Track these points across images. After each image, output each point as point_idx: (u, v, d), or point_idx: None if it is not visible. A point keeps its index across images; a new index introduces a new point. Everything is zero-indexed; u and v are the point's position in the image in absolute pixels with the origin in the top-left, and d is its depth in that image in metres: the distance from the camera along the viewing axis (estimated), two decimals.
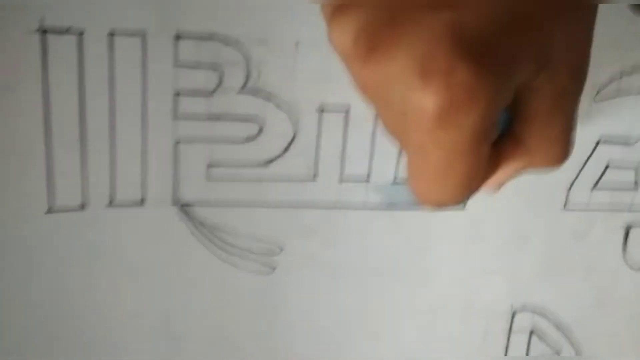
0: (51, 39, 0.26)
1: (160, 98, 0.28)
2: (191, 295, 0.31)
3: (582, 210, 0.32)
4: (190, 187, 0.29)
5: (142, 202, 0.29)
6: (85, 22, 0.26)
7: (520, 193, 0.31)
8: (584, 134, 0.30)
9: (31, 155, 0.28)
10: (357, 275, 0.32)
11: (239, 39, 0.28)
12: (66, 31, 0.26)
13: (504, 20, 0.18)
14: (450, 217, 0.32)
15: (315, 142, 0.30)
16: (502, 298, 0.33)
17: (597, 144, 0.31)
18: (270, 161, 0.30)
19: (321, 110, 0.29)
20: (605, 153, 0.32)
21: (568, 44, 0.19)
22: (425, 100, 0.17)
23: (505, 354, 0.34)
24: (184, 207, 0.30)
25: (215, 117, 0.29)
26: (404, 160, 0.30)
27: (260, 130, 0.29)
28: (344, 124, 0.30)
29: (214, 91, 0.28)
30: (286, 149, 0.30)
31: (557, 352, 0.35)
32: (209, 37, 0.27)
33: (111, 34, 0.27)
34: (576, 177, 0.32)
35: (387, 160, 0.30)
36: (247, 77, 0.28)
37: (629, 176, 0.32)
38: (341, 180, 0.30)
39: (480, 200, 0.31)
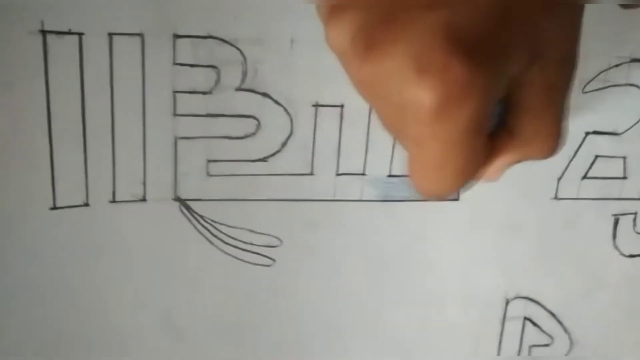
0: (52, 39, 0.27)
1: (159, 96, 0.28)
2: (193, 289, 0.32)
3: (572, 199, 0.33)
4: (190, 183, 0.30)
5: (143, 198, 0.30)
6: (85, 23, 0.27)
7: (512, 183, 0.32)
8: (572, 126, 0.30)
9: (34, 154, 0.28)
10: (355, 266, 0.32)
11: (235, 38, 0.28)
12: (67, 33, 0.27)
13: (496, 16, 0.18)
14: (445, 208, 0.32)
15: (312, 138, 0.30)
16: (496, 287, 0.34)
17: (586, 135, 0.32)
18: (268, 157, 0.30)
19: (317, 106, 0.30)
20: (594, 144, 0.32)
21: (558, 37, 0.20)
22: (422, 96, 0.18)
23: (500, 342, 0.35)
24: (185, 202, 0.30)
25: (214, 115, 0.29)
26: (399, 154, 0.31)
27: (258, 127, 0.30)
28: (340, 120, 0.30)
29: (212, 89, 0.29)
30: (283, 145, 0.30)
31: (550, 338, 0.35)
32: (207, 36, 0.28)
33: (111, 35, 0.27)
34: (566, 168, 0.32)
35: (382, 154, 0.31)
36: (244, 75, 0.29)
37: (618, 166, 0.33)
38: (338, 174, 0.31)
39: (474, 191, 0.32)
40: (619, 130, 0.32)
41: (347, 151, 0.30)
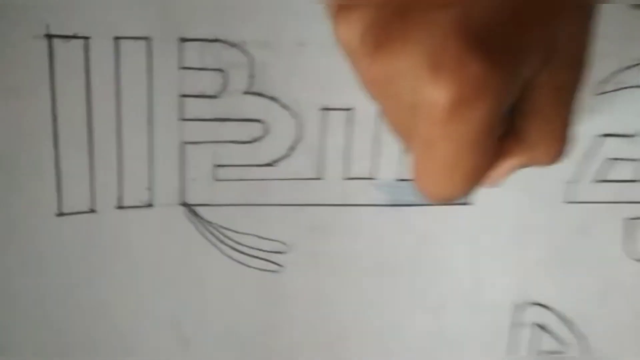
0: (57, 44, 0.27)
1: (166, 101, 0.28)
2: (200, 295, 0.31)
3: (584, 203, 0.32)
4: (197, 188, 0.30)
5: (150, 203, 0.30)
6: (91, 27, 0.27)
7: (522, 187, 0.32)
8: (584, 128, 0.31)
9: (40, 159, 0.28)
10: (365, 272, 0.32)
11: (242, 41, 0.28)
12: (72, 37, 0.27)
13: (511, 14, 0.18)
14: (455, 213, 0.32)
15: (320, 142, 0.30)
16: (506, 292, 0.34)
17: (598, 137, 0.32)
18: (276, 161, 0.30)
19: (325, 110, 0.29)
20: (605, 146, 0.32)
21: (571, 38, 0.19)
22: (436, 94, 0.17)
23: (510, 348, 0.34)
24: (192, 208, 0.30)
25: (221, 119, 0.29)
26: (408, 157, 0.30)
27: (266, 131, 0.29)
28: (348, 124, 0.30)
29: (219, 93, 0.28)
30: (291, 149, 0.30)
31: (562, 345, 0.35)
32: (213, 40, 0.28)
33: (117, 39, 0.27)
34: (578, 171, 0.32)
35: (391, 158, 0.31)
36: (252, 79, 0.28)
37: (631, 169, 0.32)
38: (346, 178, 0.31)
39: (484, 195, 0.31)
40: (632, 133, 0.32)
41: (356, 155, 0.30)
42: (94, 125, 0.28)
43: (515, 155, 0.21)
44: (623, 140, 0.32)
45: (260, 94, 0.29)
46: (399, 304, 0.33)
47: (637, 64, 0.31)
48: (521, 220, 0.33)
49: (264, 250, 0.31)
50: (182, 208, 0.30)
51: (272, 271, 0.32)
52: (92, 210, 0.29)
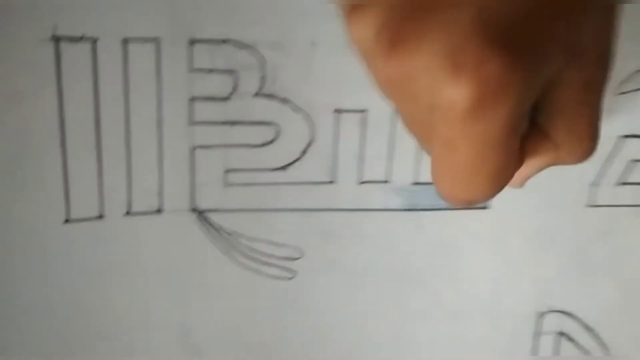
0: (65, 46, 0.26)
1: (175, 104, 0.28)
2: (211, 303, 0.31)
3: (607, 206, 0.32)
4: (207, 193, 0.29)
5: (159, 209, 0.29)
6: (99, 28, 0.26)
7: (543, 191, 0.31)
8: (606, 129, 0.29)
9: (46, 164, 0.27)
10: (380, 279, 0.32)
11: (254, 42, 0.27)
12: (80, 39, 0.26)
13: (531, 11, 0.17)
14: (474, 217, 0.31)
15: (333, 145, 0.29)
16: (528, 299, 0.33)
17: (621, 138, 0.31)
18: (288, 165, 0.29)
19: (338, 112, 0.29)
20: (628, 148, 0.31)
21: (595, 34, 0.19)
22: (456, 94, 0.17)
23: (533, 357, 0.34)
24: (202, 214, 0.30)
25: (232, 122, 0.28)
26: (424, 160, 0.30)
27: (277, 134, 0.29)
28: (362, 126, 0.29)
29: (229, 96, 0.28)
30: (304, 153, 0.29)
31: (587, 353, 0.34)
32: (224, 41, 0.27)
33: (125, 41, 0.27)
34: (600, 173, 0.31)
35: (406, 160, 0.30)
36: (263, 81, 0.28)
37: None
38: (360, 182, 0.30)
39: (503, 199, 0.31)
40: None
41: (370, 158, 0.30)
42: (102, 129, 0.28)
43: (541, 154, 0.21)
44: None
45: (271, 96, 0.28)
46: (416, 312, 0.32)
47: None
48: (543, 225, 0.32)
49: (276, 257, 0.31)
50: (192, 214, 0.29)
51: (285, 278, 0.31)
52: (100, 217, 0.29)
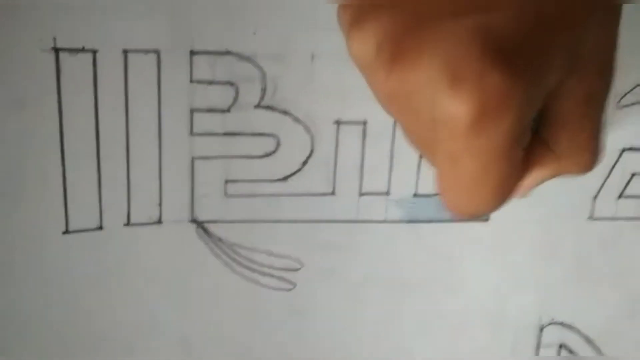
0: (64, 57, 0.26)
1: (176, 115, 0.28)
2: (211, 314, 0.31)
3: (609, 219, 0.32)
4: (207, 204, 0.29)
5: (159, 220, 0.29)
6: (99, 40, 0.26)
7: (545, 204, 0.31)
8: (608, 142, 0.29)
9: (46, 175, 0.27)
10: (379, 290, 0.31)
11: (254, 54, 0.27)
12: (80, 50, 0.26)
13: (531, 23, 0.17)
14: (474, 229, 0.31)
15: (334, 156, 0.29)
16: (529, 311, 0.33)
17: (622, 151, 0.31)
18: (288, 176, 0.29)
19: (338, 124, 0.29)
20: (630, 161, 0.31)
21: (596, 45, 0.19)
22: (457, 108, 0.17)
23: None
24: (202, 225, 0.29)
25: (232, 134, 0.28)
26: (424, 172, 0.30)
27: (278, 146, 0.29)
28: (362, 138, 0.29)
29: (230, 107, 0.28)
30: (304, 164, 0.29)
31: None
32: (224, 53, 0.27)
33: (125, 52, 0.27)
34: (602, 186, 0.31)
35: (407, 172, 0.30)
36: (263, 92, 0.28)
37: None
38: (360, 194, 0.30)
39: (505, 211, 0.31)
40: None
41: (370, 170, 0.30)
42: (102, 140, 0.28)
43: (544, 165, 0.21)
44: None
45: (272, 108, 0.28)
46: (415, 323, 0.32)
47: None
48: (544, 237, 0.32)
49: (275, 268, 0.31)
50: (192, 225, 0.29)
51: (284, 289, 0.31)
52: (100, 228, 0.29)
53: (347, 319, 0.32)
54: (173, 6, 0.26)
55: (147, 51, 0.27)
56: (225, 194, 0.29)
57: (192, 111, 0.28)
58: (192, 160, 0.29)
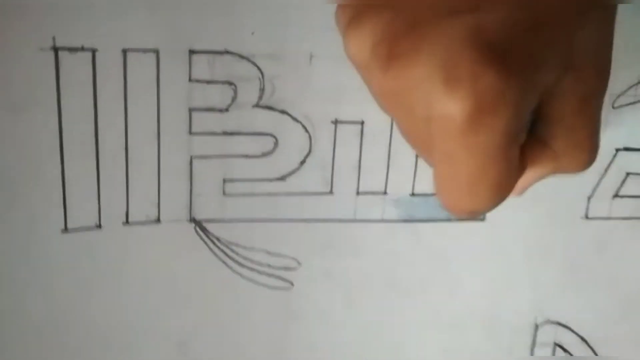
0: (64, 56, 0.26)
1: (174, 114, 0.28)
2: (208, 313, 0.31)
3: (603, 219, 0.32)
4: (205, 203, 0.29)
5: (157, 219, 0.29)
6: (98, 39, 0.26)
7: (540, 204, 0.31)
8: (603, 142, 0.30)
9: (46, 174, 0.27)
10: (376, 290, 0.32)
11: (253, 54, 0.27)
12: (79, 49, 0.26)
13: (526, 22, 0.17)
14: (470, 229, 0.31)
15: (331, 156, 0.29)
16: (524, 311, 0.33)
17: (617, 151, 0.31)
18: (286, 176, 0.29)
19: (336, 123, 0.29)
20: (625, 161, 0.31)
21: (592, 44, 0.19)
22: (452, 107, 0.17)
23: None
24: (200, 224, 0.29)
25: (230, 133, 0.28)
26: (422, 171, 0.30)
27: (276, 145, 0.29)
28: (360, 137, 0.29)
29: (228, 106, 0.28)
30: (302, 163, 0.29)
31: None
32: (223, 52, 0.27)
33: (124, 51, 0.27)
34: (596, 186, 0.31)
35: (404, 172, 0.30)
36: (262, 92, 0.28)
37: None
38: (358, 193, 0.30)
39: (500, 211, 0.31)
40: None
41: (367, 169, 0.30)
42: (101, 139, 0.28)
43: (541, 163, 0.21)
44: None
45: (270, 108, 0.28)
46: (412, 323, 0.32)
47: None
48: (539, 237, 0.32)
49: (273, 267, 0.31)
50: (190, 224, 0.29)
51: (282, 288, 0.31)
52: (98, 226, 0.29)
53: (343, 317, 0.32)
54: (172, 6, 0.26)
55: (146, 50, 0.27)
56: (224, 193, 0.29)
57: (191, 110, 0.28)
58: (191, 159, 0.29)
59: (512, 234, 0.32)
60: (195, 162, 0.29)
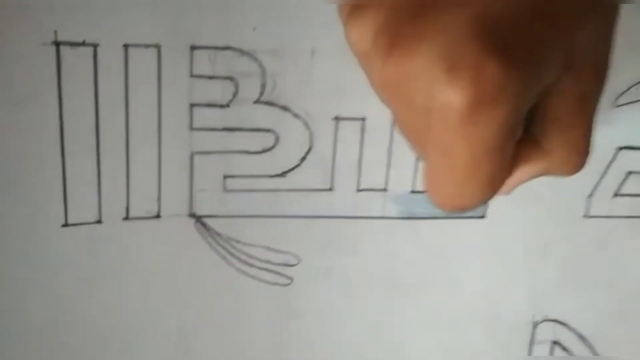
0: (65, 51, 0.26)
1: (175, 109, 0.28)
2: (208, 308, 0.31)
3: (604, 217, 0.32)
4: (206, 199, 0.29)
5: (158, 214, 0.29)
6: (99, 34, 0.26)
7: (540, 202, 0.31)
8: (604, 141, 0.30)
9: (47, 168, 0.27)
10: (376, 287, 0.32)
11: (254, 50, 0.27)
12: (81, 44, 0.26)
13: (530, 16, 0.17)
14: (470, 226, 0.31)
15: (332, 152, 0.29)
16: (523, 309, 0.33)
17: (618, 150, 0.31)
18: (287, 172, 0.29)
19: (337, 120, 0.29)
20: (626, 160, 0.31)
21: (593, 43, 0.19)
22: (453, 96, 0.17)
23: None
24: (200, 219, 0.29)
25: (231, 129, 0.28)
26: (422, 168, 0.30)
27: (277, 141, 0.29)
28: (361, 134, 0.29)
29: (229, 102, 0.28)
30: (302, 160, 0.29)
31: None
32: (225, 47, 0.27)
33: (126, 46, 0.27)
34: (597, 185, 0.31)
35: (405, 169, 0.30)
36: (263, 88, 0.28)
37: None
38: (358, 190, 0.30)
39: (500, 209, 0.31)
40: None
41: (368, 166, 0.30)
42: (102, 134, 0.27)
43: (532, 162, 0.21)
44: None
45: (271, 103, 0.28)
46: (412, 320, 0.32)
47: None
48: (539, 235, 0.32)
49: (273, 263, 0.31)
50: (190, 219, 0.29)
51: (282, 284, 0.31)
52: (99, 221, 0.29)
53: (342, 314, 0.32)
54: (174, 1, 0.26)
55: (147, 45, 0.27)
56: (224, 189, 0.29)
57: (192, 106, 0.28)
58: (192, 154, 0.29)
59: (512, 232, 0.32)
60: (196, 158, 0.29)
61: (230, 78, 0.28)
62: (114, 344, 0.31)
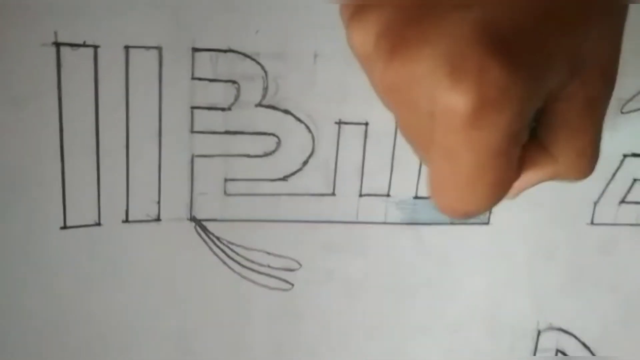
0: (66, 52, 0.26)
1: (176, 112, 0.28)
2: (208, 313, 0.31)
3: (609, 225, 0.31)
4: (206, 202, 0.29)
5: (158, 218, 0.29)
6: (100, 35, 0.26)
7: (545, 208, 0.31)
8: (610, 148, 0.30)
9: (45, 170, 0.27)
10: (378, 292, 0.31)
11: (256, 52, 0.27)
12: (81, 45, 0.26)
13: (534, 20, 0.17)
14: (474, 232, 0.31)
15: (334, 157, 0.29)
16: (527, 316, 0.33)
17: (624, 157, 0.31)
18: (289, 176, 0.29)
19: (340, 124, 0.29)
20: (632, 167, 0.31)
21: (600, 49, 0.19)
22: (456, 100, 0.17)
23: None
24: (201, 223, 0.29)
25: (232, 132, 0.28)
26: (425, 174, 0.30)
27: (278, 145, 0.29)
28: (363, 138, 0.29)
29: (231, 105, 0.28)
30: (304, 164, 0.29)
31: None
32: (227, 50, 0.27)
33: (127, 48, 0.26)
34: (603, 192, 0.31)
35: (407, 174, 0.30)
36: (265, 91, 0.28)
37: None
38: (361, 195, 0.30)
39: (504, 214, 0.30)
40: None
41: (370, 171, 0.29)
42: (102, 136, 0.27)
43: (539, 167, 0.20)
44: None
45: (273, 107, 0.28)
46: (414, 327, 0.32)
47: None
48: (544, 241, 0.32)
49: (274, 268, 0.30)
50: (190, 223, 0.29)
51: (282, 289, 0.31)
52: (98, 224, 0.28)
53: (344, 320, 0.32)
54: (175, 3, 0.26)
55: (148, 47, 0.27)
56: (225, 193, 0.29)
57: (193, 109, 0.28)
58: (192, 157, 0.28)
59: (516, 238, 0.31)
60: (197, 161, 0.28)
61: (232, 81, 0.27)
62: (113, 345, 0.30)
